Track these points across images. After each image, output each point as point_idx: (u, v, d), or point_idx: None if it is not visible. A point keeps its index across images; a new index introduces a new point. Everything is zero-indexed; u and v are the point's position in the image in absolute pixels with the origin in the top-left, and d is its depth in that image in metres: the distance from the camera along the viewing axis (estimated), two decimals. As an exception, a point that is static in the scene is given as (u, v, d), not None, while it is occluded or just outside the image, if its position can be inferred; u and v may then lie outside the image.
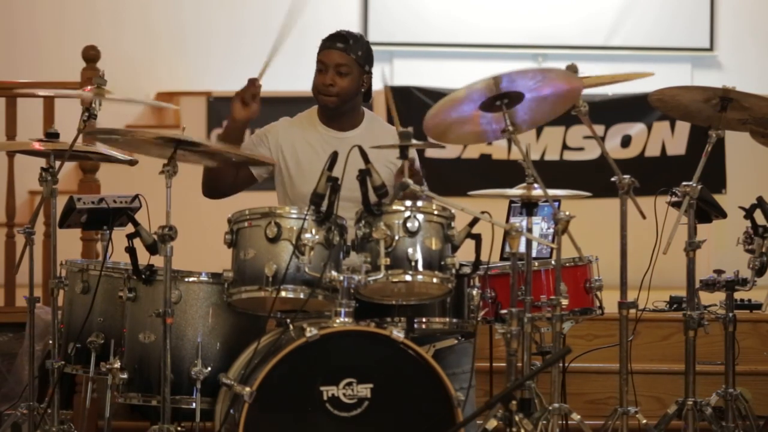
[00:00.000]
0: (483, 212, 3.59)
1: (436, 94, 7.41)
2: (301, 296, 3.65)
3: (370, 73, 4.32)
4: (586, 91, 4.03)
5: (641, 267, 4.19)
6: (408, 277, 3.62)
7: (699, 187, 4.03)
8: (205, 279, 3.87)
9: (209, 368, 3.80)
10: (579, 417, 3.94)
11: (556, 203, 3.92)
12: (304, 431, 3.54)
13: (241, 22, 8.68)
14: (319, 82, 4.28)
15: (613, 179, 3.94)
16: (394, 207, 3.66)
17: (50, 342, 4.29)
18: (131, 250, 3.83)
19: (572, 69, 4.09)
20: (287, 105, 6.46)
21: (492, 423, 3.61)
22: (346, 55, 4.25)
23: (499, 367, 4.36)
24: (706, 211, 4.29)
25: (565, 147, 7.67)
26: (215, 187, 4.32)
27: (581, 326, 5.01)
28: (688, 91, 4.17)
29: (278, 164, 4.32)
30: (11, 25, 8.23)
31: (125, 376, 3.84)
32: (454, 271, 3.68)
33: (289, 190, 4.29)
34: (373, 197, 3.66)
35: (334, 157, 3.67)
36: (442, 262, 3.66)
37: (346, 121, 4.33)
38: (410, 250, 3.63)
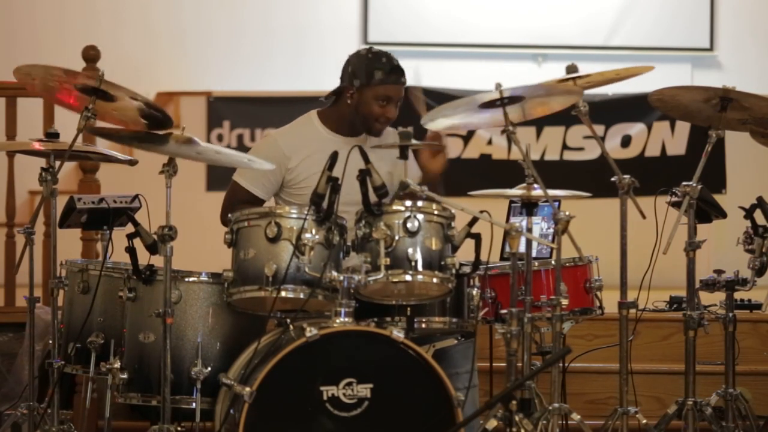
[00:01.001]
0: (482, 211, 3.59)
1: (436, 94, 7.40)
2: (301, 296, 3.65)
3: None
4: (586, 91, 4.03)
5: (641, 267, 4.19)
6: (408, 277, 3.62)
7: (699, 187, 4.03)
8: (205, 279, 3.87)
9: (209, 368, 3.80)
10: (579, 417, 3.94)
11: (556, 203, 3.92)
12: (304, 431, 3.54)
13: (241, 22, 8.69)
14: (380, 113, 4.18)
15: (613, 179, 3.94)
16: (394, 207, 3.66)
17: (50, 342, 4.29)
18: (131, 250, 3.83)
19: (572, 69, 4.10)
20: (287, 105, 6.48)
21: (492, 423, 3.61)
22: (404, 86, 4.27)
23: (499, 367, 4.37)
24: (706, 211, 4.29)
25: (565, 147, 7.67)
26: None
27: (581, 326, 5.01)
28: (688, 91, 4.17)
29: (287, 176, 4.25)
30: (11, 25, 8.24)
31: (125, 376, 3.84)
32: (454, 271, 3.68)
33: (301, 202, 4.22)
34: (373, 197, 3.66)
35: (334, 157, 3.66)
36: (442, 262, 3.66)
37: (378, 132, 4.29)
38: (410, 250, 3.63)
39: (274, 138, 4.32)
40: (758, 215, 4.26)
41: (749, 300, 5.25)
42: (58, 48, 7.94)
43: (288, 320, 3.74)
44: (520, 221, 3.89)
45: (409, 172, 3.90)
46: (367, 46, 4.34)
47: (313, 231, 3.64)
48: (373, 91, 4.19)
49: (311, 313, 3.77)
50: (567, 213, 3.71)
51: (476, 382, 4.17)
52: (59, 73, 4.02)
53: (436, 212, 3.69)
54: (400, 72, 4.25)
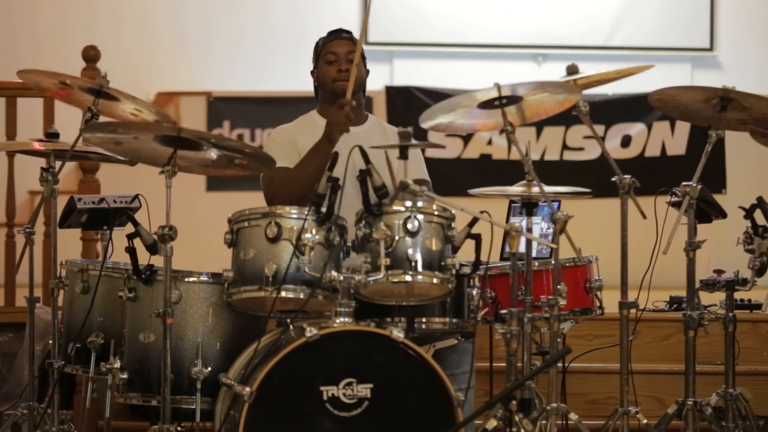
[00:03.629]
0: (482, 212, 3.59)
1: (435, 94, 7.42)
2: (301, 296, 3.65)
3: (367, 69, 4.37)
4: (586, 91, 4.03)
5: (641, 267, 4.19)
6: (408, 278, 3.62)
7: (699, 187, 4.03)
8: (205, 279, 3.87)
9: (209, 368, 3.80)
10: (576, 417, 3.94)
11: (556, 204, 3.92)
12: (304, 431, 3.54)
13: (241, 22, 8.69)
14: (333, 71, 4.29)
15: (613, 179, 3.94)
16: (394, 207, 3.66)
17: (50, 342, 4.29)
18: (131, 250, 3.83)
19: (572, 69, 4.10)
20: (287, 105, 6.47)
21: (492, 423, 3.61)
22: (353, 43, 4.33)
23: (499, 367, 4.37)
24: (706, 211, 4.29)
25: (565, 147, 7.68)
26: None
27: (581, 326, 5.01)
28: (688, 91, 4.17)
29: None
30: (11, 25, 8.25)
31: (125, 376, 3.84)
32: (454, 271, 3.68)
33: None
34: (373, 197, 3.66)
35: (334, 157, 3.66)
36: (442, 263, 3.66)
37: (342, 91, 4.32)
38: (410, 251, 3.62)
39: (283, 127, 4.40)
40: (758, 215, 4.26)
41: (749, 300, 5.25)
42: (59, 48, 7.95)
43: (288, 320, 3.74)
44: (520, 221, 3.89)
45: None
46: None
47: (313, 231, 3.64)
48: (323, 58, 4.32)
49: (311, 313, 3.77)
50: (565, 213, 3.70)
51: (474, 382, 4.16)
52: (62, 79, 4.03)
53: (436, 213, 3.69)
54: (339, 31, 4.38)
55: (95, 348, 4.03)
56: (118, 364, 3.84)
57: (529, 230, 3.87)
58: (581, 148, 7.64)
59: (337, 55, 4.29)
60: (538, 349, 4.04)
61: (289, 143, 4.25)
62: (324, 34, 4.40)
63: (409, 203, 3.65)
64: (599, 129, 7.46)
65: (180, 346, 3.81)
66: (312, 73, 4.38)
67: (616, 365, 4.02)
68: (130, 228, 3.89)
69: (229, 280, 3.72)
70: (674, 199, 4.14)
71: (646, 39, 8.79)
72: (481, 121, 3.93)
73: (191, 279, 3.86)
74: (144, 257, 3.84)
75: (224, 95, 7.97)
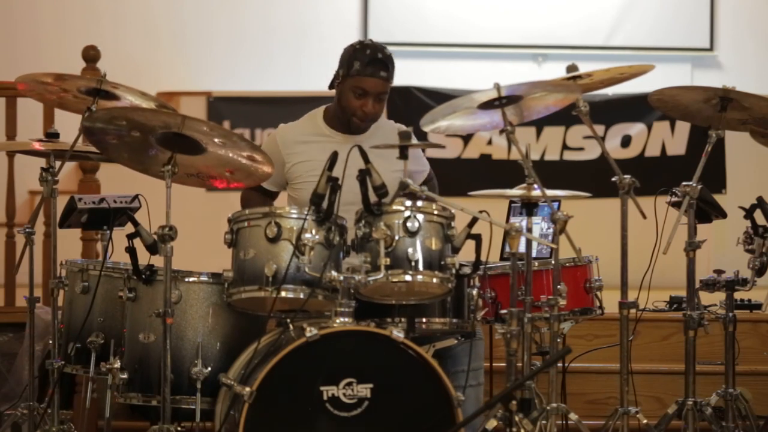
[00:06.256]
0: (482, 212, 3.59)
1: (435, 94, 7.41)
2: (301, 296, 3.65)
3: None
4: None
5: (641, 267, 4.19)
6: (408, 277, 3.62)
7: (699, 187, 4.03)
8: (205, 279, 3.87)
9: (209, 368, 3.80)
10: (576, 417, 3.94)
11: (555, 204, 3.92)
12: (304, 431, 3.54)
13: (241, 22, 8.69)
14: (356, 106, 4.19)
15: (613, 179, 3.94)
16: (394, 207, 3.66)
17: (50, 342, 4.29)
18: (131, 250, 3.83)
19: (572, 69, 4.10)
20: (287, 105, 6.47)
21: (492, 423, 3.61)
22: (388, 83, 4.22)
23: (499, 367, 4.37)
24: (706, 211, 4.29)
25: (565, 147, 7.67)
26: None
27: (581, 326, 5.01)
28: (688, 91, 4.17)
29: (287, 173, 4.30)
30: (12, 26, 8.25)
31: (125, 376, 3.84)
32: (454, 271, 3.68)
33: (299, 197, 4.27)
34: (373, 197, 3.66)
35: (333, 157, 3.66)
36: (442, 262, 3.66)
37: (356, 127, 4.31)
38: (410, 250, 3.62)
39: (276, 133, 4.38)
40: (758, 215, 4.26)
41: (749, 300, 5.25)
42: (59, 48, 7.95)
43: (288, 320, 3.74)
44: (520, 221, 3.89)
45: None
46: (365, 39, 4.31)
47: (313, 231, 3.64)
48: (350, 82, 4.20)
49: (311, 313, 3.77)
50: (565, 213, 3.70)
51: (482, 380, 4.16)
52: (59, 81, 4.02)
53: (436, 212, 3.69)
54: (379, 65, 4.18)
55: (95, 348, 4.03)
56: (118, 364, 3.84)
57: (529, 230, 3.86)
58: (581, 148, 7.63)
59: (367, 93, 4.18)
60: (538, 349, 4.04)
61: (273, 158, 4.11)
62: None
63: (408, 202, 3.65)
64: (599, 129, 7.45)
65: (180, 346, 3.81)
66: (335, 77, 4.24)
67: (616, 365, 4.02)
68: (130, 228, 3.89)
69: (229, 280, 3.72)
70: (674, 199, 4.14)
71: (646, 39, 8.79)
72: (481, 122, 3.94)
73: (191, 279, 3.86)
74: (144, 257, 3.84)
75: (224, 95, 7.97)
